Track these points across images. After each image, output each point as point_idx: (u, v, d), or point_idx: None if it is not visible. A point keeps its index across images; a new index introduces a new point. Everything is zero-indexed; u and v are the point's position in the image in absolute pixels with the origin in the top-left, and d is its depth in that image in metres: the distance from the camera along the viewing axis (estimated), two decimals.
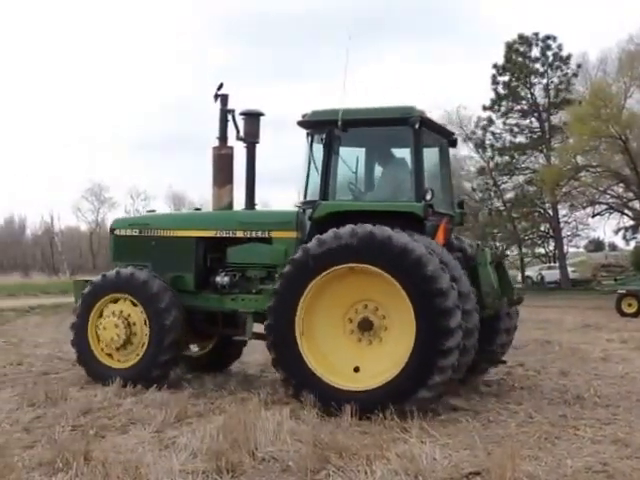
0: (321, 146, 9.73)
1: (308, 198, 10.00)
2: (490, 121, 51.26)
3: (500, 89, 50.72)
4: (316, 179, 9.83)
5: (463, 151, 56.31)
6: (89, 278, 11.69)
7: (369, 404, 8.28)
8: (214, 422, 7.71)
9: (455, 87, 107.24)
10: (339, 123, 9.55)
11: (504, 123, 51.31)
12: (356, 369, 8.87)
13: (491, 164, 51.88)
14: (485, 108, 50.94)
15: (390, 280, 8.60)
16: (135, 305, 10.47)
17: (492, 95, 50.97)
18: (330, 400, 8.48)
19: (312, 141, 10.02)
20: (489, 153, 52.06)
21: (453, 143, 10.95)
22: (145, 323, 10.38)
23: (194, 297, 10.76)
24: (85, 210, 79.32)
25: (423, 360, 8.33)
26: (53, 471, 6.24)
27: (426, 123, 9.73)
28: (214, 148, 11.49)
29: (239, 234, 10.57)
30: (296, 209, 10.33)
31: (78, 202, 78.37)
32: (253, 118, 11.32)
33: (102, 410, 8.64)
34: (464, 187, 58.26)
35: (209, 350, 12.14)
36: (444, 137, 10.73)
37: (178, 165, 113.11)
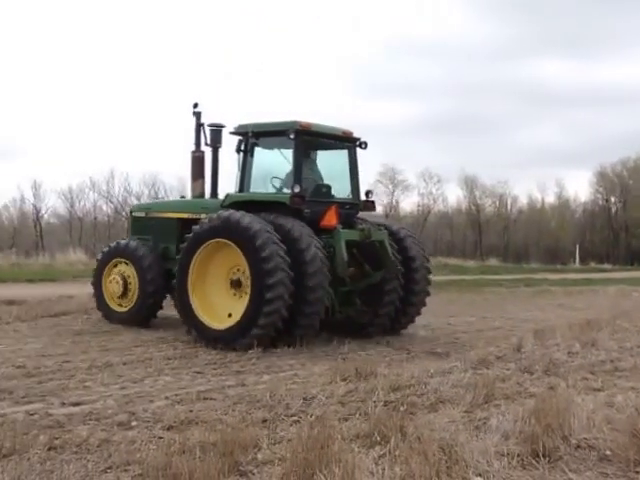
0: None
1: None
2: None
3: None
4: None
5: None
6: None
7: (225, 338, 11.99)
8: (524, 405, 7.60)
9: None
10: (250, 134, 13.07)
11: None
12: (229, 315, 12.33)
13: None
14: None
15: (239, 250, 12.05)
16: (131, 266, 14.62)
17: None
18: (206, 337, 12.30)
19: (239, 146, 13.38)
20: None
21: (361, 146, 13.82)
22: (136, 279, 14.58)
23: (176, 263, 13.84)
24: (380, 193, 78.83)
25: (255, 307, 11.80)
26: (370, 443, 6.43)
27: (310, 133, 12.97)
28: (191, 152, 15.24)
29: (202, 216, 13.58)
30: None
31: (373, 185, 79.63)
32: (217, 129, 14.97)
33: (410, 387, 8.80)
34: None
35: None
36: (350, 142, 13.77)
37: (471, 146, 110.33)
